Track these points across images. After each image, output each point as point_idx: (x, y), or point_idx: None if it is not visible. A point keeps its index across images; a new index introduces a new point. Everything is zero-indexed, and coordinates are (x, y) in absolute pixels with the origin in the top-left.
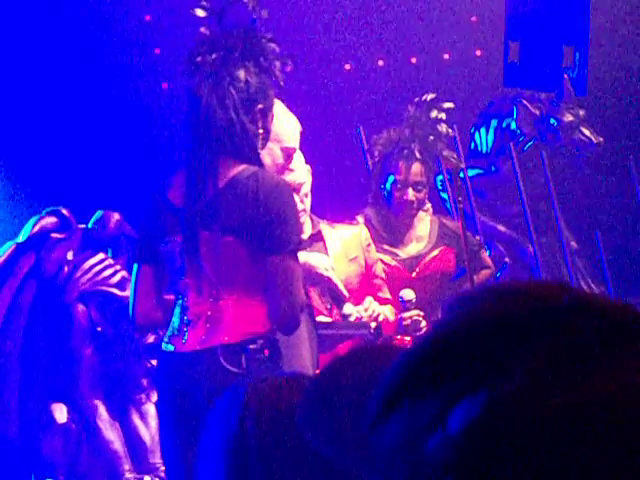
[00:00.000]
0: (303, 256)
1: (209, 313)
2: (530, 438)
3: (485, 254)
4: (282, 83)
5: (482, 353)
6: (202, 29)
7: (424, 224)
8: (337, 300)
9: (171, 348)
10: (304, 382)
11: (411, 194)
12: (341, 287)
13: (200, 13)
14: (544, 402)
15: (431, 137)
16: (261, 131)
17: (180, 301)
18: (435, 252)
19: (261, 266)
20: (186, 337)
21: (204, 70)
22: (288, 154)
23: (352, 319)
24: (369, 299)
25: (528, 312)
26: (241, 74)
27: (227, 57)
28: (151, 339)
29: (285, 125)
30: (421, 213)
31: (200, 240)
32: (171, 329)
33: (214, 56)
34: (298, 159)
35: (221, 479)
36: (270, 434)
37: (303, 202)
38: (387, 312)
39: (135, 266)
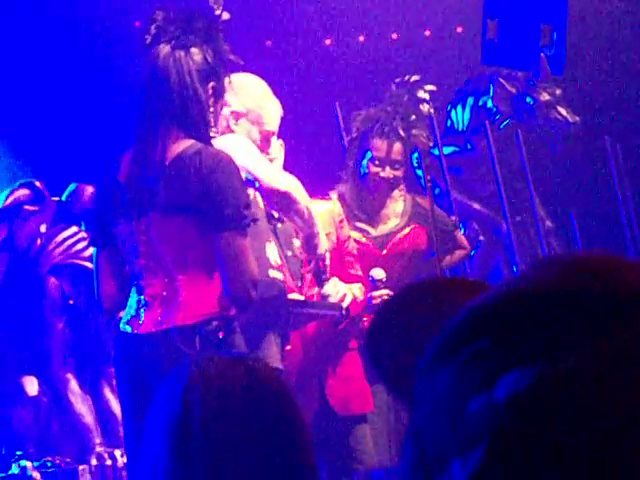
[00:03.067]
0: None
1: (164, 294)
2: (573, 421)
3: (460, 234)
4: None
5: (546, 327)
6: None
7: (398, 202)
8: (319, 279)
9: (128, 329)
10: (251, 363)
11: (388, 171)
12: (328, 269)
13: None
14: (601, 390)
15: (413, 116)
16: (211, 110)
17: (136, 282)
18: (406, 230)
19: (212, 244)
20: (142, 318)
21: (163, 37)
22: (267, 138)
23: (331, 300)
24: (334, 280)
25: (608, 296)
26: (197, 50)
27: (187, 34)
28: (122, 313)
29: (268, 108)
30: (395, 191)
31: (150, 221)
32: (128, 310)
33: (174, 28)
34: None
35: (164, 460)
36: (216, 415)
37: None
38: (356, 291)
39: (94, 250)
